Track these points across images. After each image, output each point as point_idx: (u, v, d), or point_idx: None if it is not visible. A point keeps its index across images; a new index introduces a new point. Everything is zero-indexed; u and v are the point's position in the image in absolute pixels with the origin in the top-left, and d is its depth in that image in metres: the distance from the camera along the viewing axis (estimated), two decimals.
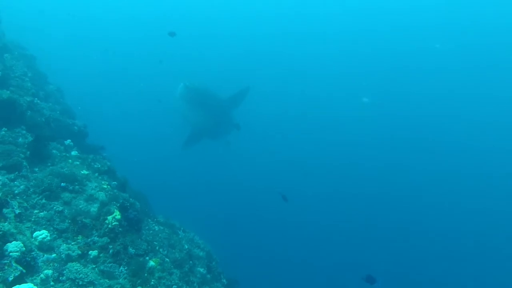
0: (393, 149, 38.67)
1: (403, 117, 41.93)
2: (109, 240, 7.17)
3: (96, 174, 9.00)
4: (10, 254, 5.41)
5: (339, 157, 36.52)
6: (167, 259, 8.21)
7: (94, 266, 6.69)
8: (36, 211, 7.06)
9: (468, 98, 43.52)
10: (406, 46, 45.98)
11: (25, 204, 7.02)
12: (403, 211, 31.65)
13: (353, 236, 27.79)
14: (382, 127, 40.54)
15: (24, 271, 5.46)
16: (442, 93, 43.53)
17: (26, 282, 5.43)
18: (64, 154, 9.18)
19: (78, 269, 6.37)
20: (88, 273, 6.40)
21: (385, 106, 42.24)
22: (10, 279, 5.17)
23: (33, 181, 7.59)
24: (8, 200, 6.49)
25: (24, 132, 8.69)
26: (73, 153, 9.52)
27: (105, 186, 8.33)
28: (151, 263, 7.44)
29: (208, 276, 9.41)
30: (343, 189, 32.21)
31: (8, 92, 8.82)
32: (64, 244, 6.73)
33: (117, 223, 7.40)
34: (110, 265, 6.82)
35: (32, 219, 6.83)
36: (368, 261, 24.70)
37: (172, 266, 8.19)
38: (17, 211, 6.59)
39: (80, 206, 7.52)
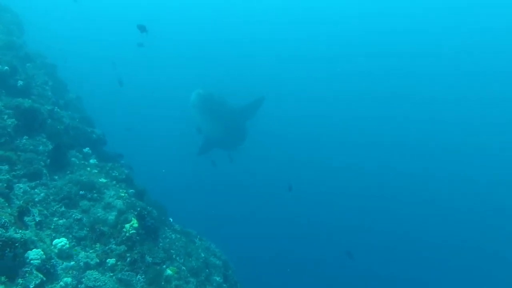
0: (397, 150, 38.50)
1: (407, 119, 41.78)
2: (126, 248, 7.21)
3: (114, 182, 9.07)
4: (31, 261, 5.47)
5: (348, 159, 36.42)
6: (183, 268, 8.21)
7: (112, 274, 6.73)
8: (55, 218, 7.15)
9: (470, 101, 43.14)
10: (408, 48, 45.58)
11: (45, 212, 7.13)
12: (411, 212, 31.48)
13: (371, 240, 27.62)
14: (385, 129, 40.40)
15: (44, 278, 5.52)
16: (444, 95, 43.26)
17: None
18: (82, 162, 9.30)
19: (97, 277, 6.41)
20: (106, 281, 6.44)
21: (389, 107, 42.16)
22: (31, 286, 5.22)
23: (53, 189, 7.71)
24: (29, 208, 6.58)
25: (44, 140, 8.83)
26: (92, 161, 9.63)
27: (122, 194, 8.38)
28: (168, 271, 7.45)
29: (225, 285, 9.37)
30: (357, 192, 32.10)
31: (30, 101, 8.98)
32: (83, 252, 6.79)
33: (134, 231, 7.44)
34: (127, 273, 6.85)
35: (52, 227, 6.92)
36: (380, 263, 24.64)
37: (188, 275, 8.19)
38: (38, 219, 6.68)
39: (98, 214, 7.59)
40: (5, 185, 6.74)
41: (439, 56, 44.40)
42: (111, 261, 6.84)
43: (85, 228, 7.25)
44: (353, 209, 30.39)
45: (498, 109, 42.44)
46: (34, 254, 5.55)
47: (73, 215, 7.35)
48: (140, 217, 7.91)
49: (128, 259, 7.02)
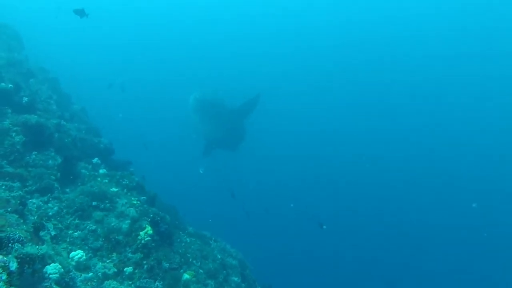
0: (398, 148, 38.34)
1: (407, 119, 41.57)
2: (142, 255, 7.25)
3: (125, 190, 9.10)
4: (50, 276, 5.50)
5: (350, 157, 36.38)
6: (201, 271, 8.23)
7: (130, 282, 6.77)
8: (70, 231, 7.20)
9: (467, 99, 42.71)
10: (407, 46, 45.06)
11: (60, 225, 7.18)
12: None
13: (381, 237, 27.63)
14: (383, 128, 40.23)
15: None
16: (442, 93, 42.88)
17: None
18: (92, 172, 9.35)
19: (115, 287, 6.46)
20: None
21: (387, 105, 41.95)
22: None
23: (65, 201, 7.76)
24: (44, 222, 6.62)
25: (53, 154, 8.88)
26: (101, 171, 9.67)
27: (134, 202, 8.41)
28: (186, 276, 7.47)
29: (243, 284, 9.38)
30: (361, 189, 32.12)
31: (36, 116, 9.05)
32: (100, 263, 6.84)
33: (149, 238, 7.47)
34: (145, 280, 6.88)
35: (68, 240, 6.97)
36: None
37: (206, 277, 8.21)
38: (53, 233, 6.73)
39: (112, 224, 7.62)
40: (19, 201, 6.79)
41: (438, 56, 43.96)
42: (128, 269, 6.88)
43: (100, 239, 7.29)
44: (359, 205, 30.40)
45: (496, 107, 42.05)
46: (52, 269, 5.58)
47: (88, 227, 7.39)
48: (153, 224, 7.93)
49: (145, 266, 7.06)
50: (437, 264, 27.47)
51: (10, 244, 5.24)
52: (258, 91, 21.12)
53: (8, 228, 5.58)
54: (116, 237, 7.37)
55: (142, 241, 7.41)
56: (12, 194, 7.10)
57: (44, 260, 5.63)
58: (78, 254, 6.56)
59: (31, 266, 5.28)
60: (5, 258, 4.84)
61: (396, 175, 34.58)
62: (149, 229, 7.64)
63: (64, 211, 7.53)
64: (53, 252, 6.17)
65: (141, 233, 7.55)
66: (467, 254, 28.35)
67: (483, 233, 28.33)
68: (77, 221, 7.44)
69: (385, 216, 29.71)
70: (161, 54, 44.02)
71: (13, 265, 4.91)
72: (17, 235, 5.42)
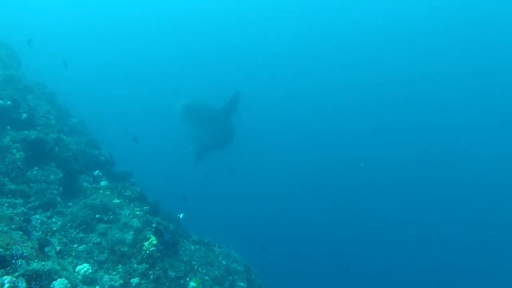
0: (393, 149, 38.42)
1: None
2: (148, 266, 7.27)
3: (127, 201, 9.15)
4: None
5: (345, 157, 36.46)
6: (207, 278, 8.25)
7: None
8: (75, 245, 7.23)
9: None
10: (409, 47, 45.09)
11: (64, 240, 7.21)
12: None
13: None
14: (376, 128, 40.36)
15: None
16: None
17: None
18: (94, 185, 9.39)
19: None
20: None
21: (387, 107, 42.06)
22: None
23: (69, 216, 7.79)
24: (48, 238, 6.65)
25: (54, 168, 8.91)
26: (103, 183, 9.70)
27: (137, 213, 8.45)
28: (192, 284, 7.50)
29: None
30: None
31: (35, 132, 9.09)
32: (106, 275, 6.86)
33: (154, 248, 7.50)
34: None
35: (73, 254, 7.00)
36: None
37: (212, 284, 8.23)
38: (58, 248, 6.76)
39: (116, 236, 7.65)
40: (22, 218, 6.82)
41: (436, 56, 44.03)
42: (135, 280, 6.90)
43: (105, 251, 7.32)
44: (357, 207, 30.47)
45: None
46: (59, 284, 5.60)
47: (92, 240, 7.43)
48: (157, 233, 7.97)
49: (151, 277, 7.08)
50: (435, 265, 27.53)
51: (13, 261, 5.26)
52: (237, 90, 21.54)
53: (13, 246, 5.60)
54: (121, 249, 7.40)
55: (147, 252, 7.44)
56: (15, 211, 7.13)
57: (50, 275, 5.65)
58: (84, 267, 6.59)
59: (38, 282, 5.29)
60: (13, 278, 4.86)
61: (392, 175, 34.66)
62: (153, 239, 7.67)
63: (68, 225, 7.57)
64: (59, 267, 6.19)
65: (146, 243, 7.58)
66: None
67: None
68: (81, 234, 7.48)
69: (383, 216, 29.77)
70: (147, 64, 44.55)
71: (22, 285, 4.93)
72: (20, 251, 5.44)
